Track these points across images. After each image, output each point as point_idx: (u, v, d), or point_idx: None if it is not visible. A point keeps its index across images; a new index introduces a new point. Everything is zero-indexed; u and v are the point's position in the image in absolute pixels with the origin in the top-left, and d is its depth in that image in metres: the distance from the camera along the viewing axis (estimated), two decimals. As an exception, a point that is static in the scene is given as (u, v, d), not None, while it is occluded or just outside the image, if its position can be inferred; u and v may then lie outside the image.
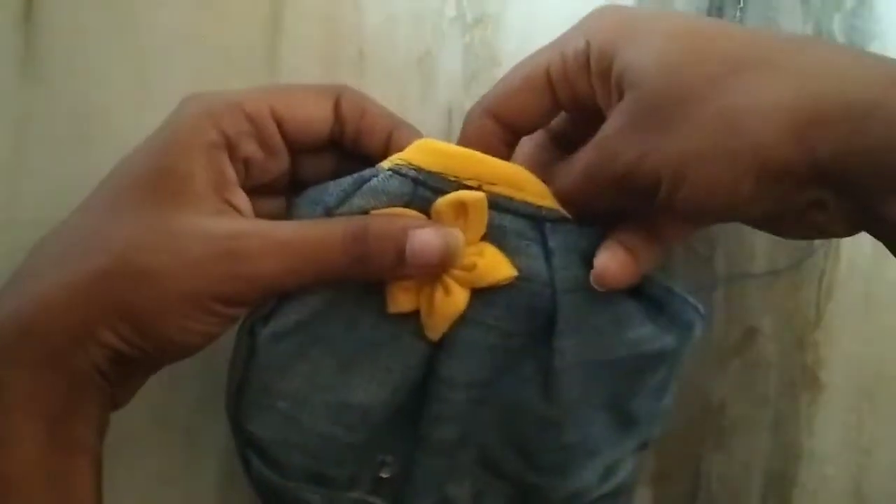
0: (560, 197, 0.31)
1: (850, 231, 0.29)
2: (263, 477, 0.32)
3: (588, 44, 0.30)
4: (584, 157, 0.30)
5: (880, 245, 0.28)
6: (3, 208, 0.34)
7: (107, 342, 0.27)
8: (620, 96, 0.29)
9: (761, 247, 0.42)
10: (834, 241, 0.43)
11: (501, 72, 0.33)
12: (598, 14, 0.32)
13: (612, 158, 0.29)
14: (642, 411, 0.34)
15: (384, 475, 0.33)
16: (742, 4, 0.40)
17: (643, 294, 0.32)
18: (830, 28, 0.41)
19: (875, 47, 0.42)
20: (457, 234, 0.29)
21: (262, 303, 0.30)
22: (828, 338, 0.43)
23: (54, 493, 0.27)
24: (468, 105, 0.33)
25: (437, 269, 0.29)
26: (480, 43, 0.38)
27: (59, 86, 0.34)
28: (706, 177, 0.27)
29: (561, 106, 0.32)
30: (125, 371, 0.29)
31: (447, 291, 0.30)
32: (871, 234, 0.28)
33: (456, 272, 0.30)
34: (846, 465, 0.44)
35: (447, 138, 0.37)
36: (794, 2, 0.41)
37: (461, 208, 0.30)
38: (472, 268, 0.30)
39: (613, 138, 0.29)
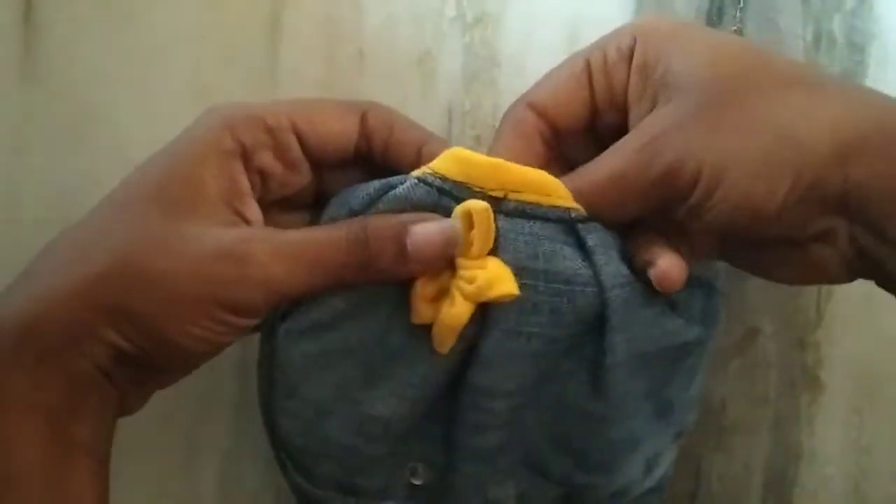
0: (576, 202, 0.31)
1: (845, 275, 0.30)
2: (297, 483, 0.33)
3: (635, 39, 0.31)
4: (611, 162, 0.30)
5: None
6: (4, 208, 0.34)
7: (108, 340, 0.27)
8: (654, 97, 0.30)
9: (761, 247, 0.42)
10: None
11: (501, 72, 0.33)
12: (648, 18, 0.33)
13: (648, 163, 0.29)
14: (677, 399, 0.34)
15: (417, 482, 0.33)
16: (742, 4, 0.40)
17: None
18: (830, 28, 0.41)
19: (875, 47, 0.41)
20: (454, 223, 0.29)
21: (270, 311, 0.29)
22: (828, 338, 0.43)
23: (53, 492, 0.27)
24: (468, 105, 0.33)
25: (441, 262, 0.29)
26: (480, 43, 0.38)
27: (59, 86, 0.34)
28: (744, 181, 0.28)
29: (595, 99, 0.32)
30: (130, 372, 0.28)
31: (453, 303, 0.29)
32: (868, 276, 0.29)
33: (462, 284, 0.29)
34: (846, 465, 0.43)
35: (447, 138, 0.37)
36: (794, 2, 0.40)
37: (471, 218, 0.29)
38: (472, 280, 0.29)
39: (657, 140, 0.29)
